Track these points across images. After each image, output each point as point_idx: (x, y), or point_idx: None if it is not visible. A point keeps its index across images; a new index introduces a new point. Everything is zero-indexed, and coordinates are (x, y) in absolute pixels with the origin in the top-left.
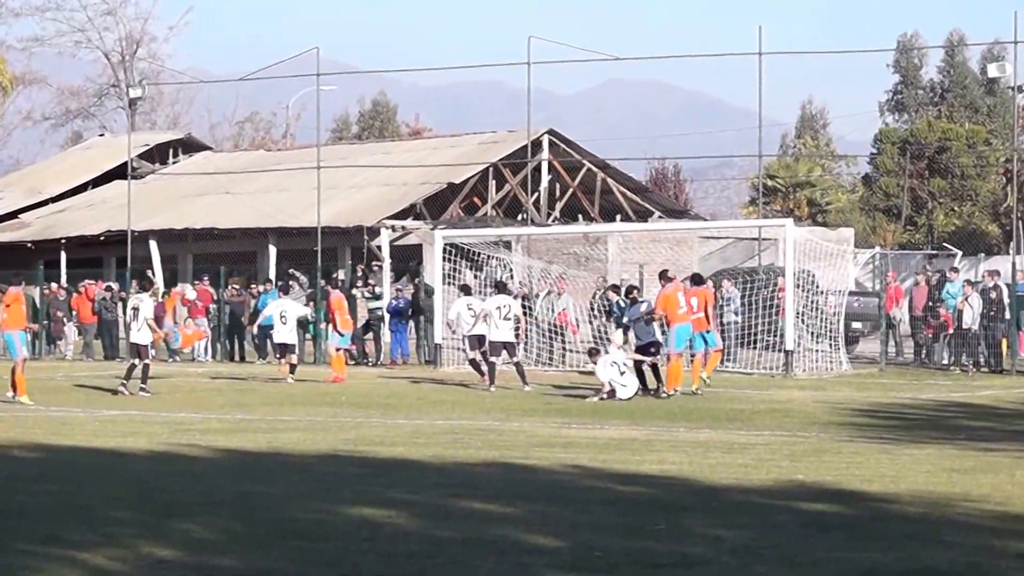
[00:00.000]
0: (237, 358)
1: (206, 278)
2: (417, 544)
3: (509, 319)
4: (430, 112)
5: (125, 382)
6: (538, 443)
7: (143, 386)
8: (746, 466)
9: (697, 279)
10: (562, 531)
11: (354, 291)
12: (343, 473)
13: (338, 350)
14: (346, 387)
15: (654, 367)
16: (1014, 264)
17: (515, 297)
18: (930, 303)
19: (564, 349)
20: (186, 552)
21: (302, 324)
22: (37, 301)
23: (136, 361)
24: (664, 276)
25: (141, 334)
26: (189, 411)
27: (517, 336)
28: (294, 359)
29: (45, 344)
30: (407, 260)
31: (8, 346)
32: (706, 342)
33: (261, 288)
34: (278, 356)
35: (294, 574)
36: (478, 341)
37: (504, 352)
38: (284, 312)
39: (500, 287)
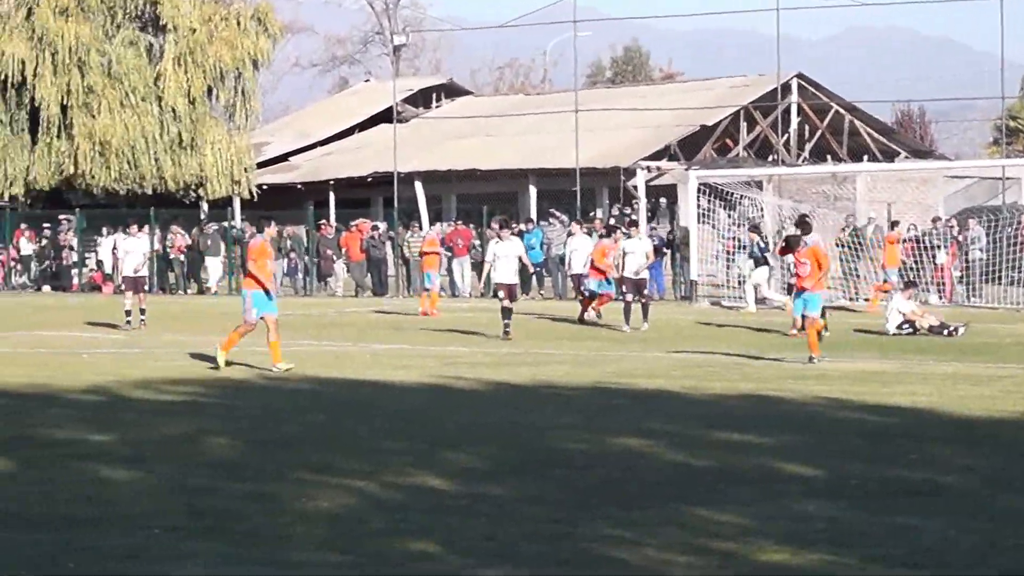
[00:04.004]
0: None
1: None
2: (676, 472)
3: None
4: (681, 57)
5: (508, 326)
6: (791, 376)
7: (507, 321)
8: (994, 398)
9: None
10: (816, 460)
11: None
12: (605, 404)
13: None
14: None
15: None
16: None
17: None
18: None
19: None
20: (457, 480)
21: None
22: (305, 240)
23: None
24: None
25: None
26: (458, 345)
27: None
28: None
29: (316, 281)
30: (662, 199)
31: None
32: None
33: (523, 227)
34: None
35: (561, 501)
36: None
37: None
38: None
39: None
